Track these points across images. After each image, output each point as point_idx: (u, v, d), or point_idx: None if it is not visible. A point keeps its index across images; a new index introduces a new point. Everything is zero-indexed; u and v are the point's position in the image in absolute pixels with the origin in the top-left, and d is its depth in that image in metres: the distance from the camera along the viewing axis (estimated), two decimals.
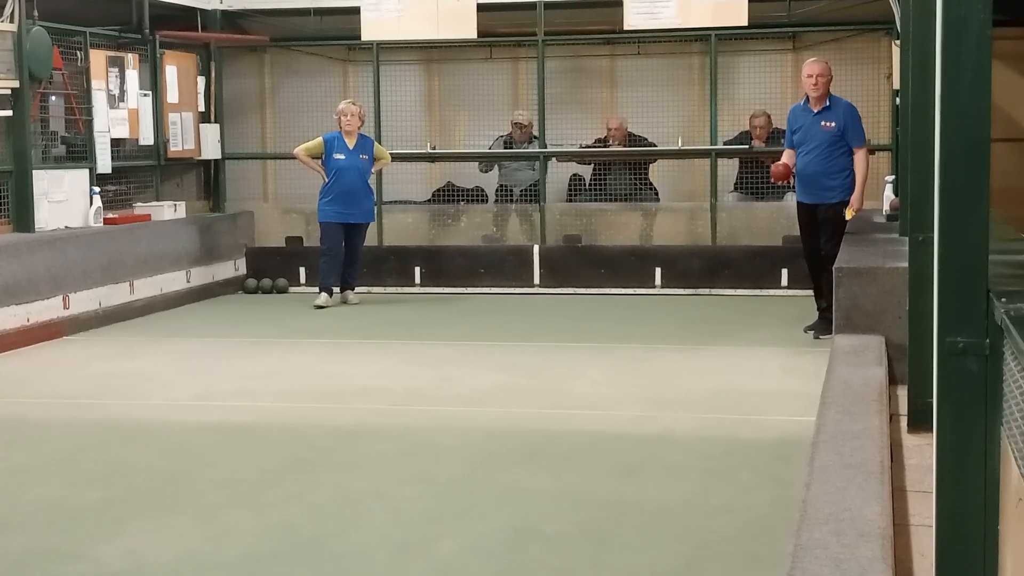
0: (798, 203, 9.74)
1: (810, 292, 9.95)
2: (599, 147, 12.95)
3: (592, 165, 13.10)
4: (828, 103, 9.43)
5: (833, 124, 9.39)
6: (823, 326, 9.28)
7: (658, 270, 12.42)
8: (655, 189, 13.00)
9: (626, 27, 12.33)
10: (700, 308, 11.55)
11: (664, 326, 10.61)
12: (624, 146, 12.79)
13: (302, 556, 4.94)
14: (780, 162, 9.73)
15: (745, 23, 12.04)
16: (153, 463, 6.41)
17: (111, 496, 5.83)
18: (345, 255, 11.75)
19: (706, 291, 12.27)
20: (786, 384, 7.98)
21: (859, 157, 9.41)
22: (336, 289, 11.82)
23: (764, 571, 4.63)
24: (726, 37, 12.48)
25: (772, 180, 10.15)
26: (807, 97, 9.53)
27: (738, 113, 12.71)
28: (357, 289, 12.04)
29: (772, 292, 12.06)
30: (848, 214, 9.37)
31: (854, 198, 9.37)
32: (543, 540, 5.08)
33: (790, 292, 11.81)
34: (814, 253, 9.52)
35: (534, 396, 7.89)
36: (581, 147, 13.06)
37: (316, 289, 11.90)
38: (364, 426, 7.14)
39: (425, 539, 5.12)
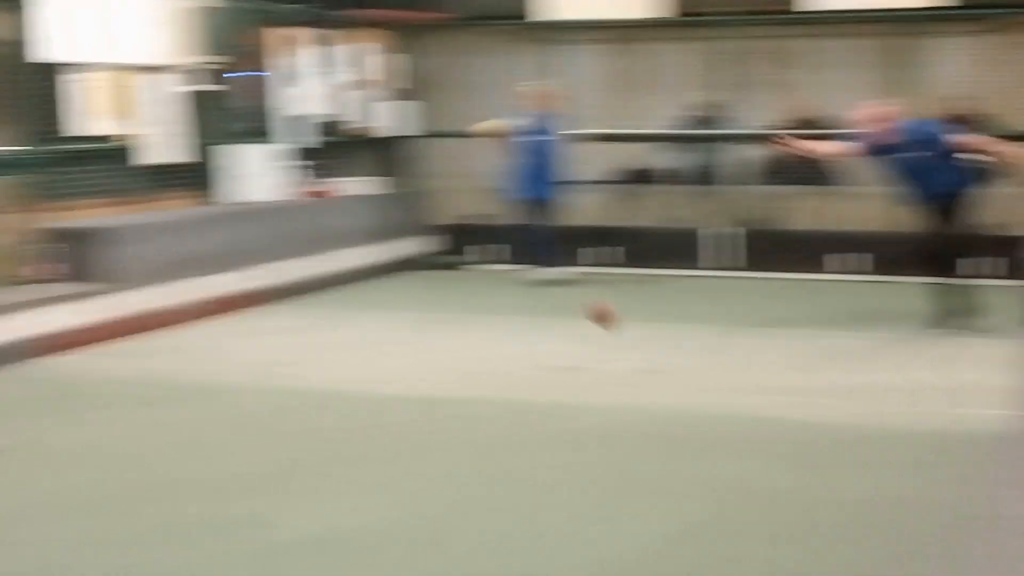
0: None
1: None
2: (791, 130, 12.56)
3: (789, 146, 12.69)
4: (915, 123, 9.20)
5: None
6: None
7: (867, 256, 12.04)
8: (850, 174, 12.54)
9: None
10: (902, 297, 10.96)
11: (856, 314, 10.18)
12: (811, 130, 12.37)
13: (497, 530, 4.85)
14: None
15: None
16: (344, 431, 6.47)
17: (297, 462, 5.90)
18: (532, 232, 11.72)
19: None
20: (998, 377, 7.52)
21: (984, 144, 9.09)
22: (547, 266, 11.73)
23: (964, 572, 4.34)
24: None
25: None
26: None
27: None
28: (551, 268, 11.85)
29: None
30: None
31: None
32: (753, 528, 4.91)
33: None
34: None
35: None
36: (772, 129, 12.69)
37: (504, 266, 11.87)
38: (563, 405, 7.02)
39: (617, 519, 5.03)
